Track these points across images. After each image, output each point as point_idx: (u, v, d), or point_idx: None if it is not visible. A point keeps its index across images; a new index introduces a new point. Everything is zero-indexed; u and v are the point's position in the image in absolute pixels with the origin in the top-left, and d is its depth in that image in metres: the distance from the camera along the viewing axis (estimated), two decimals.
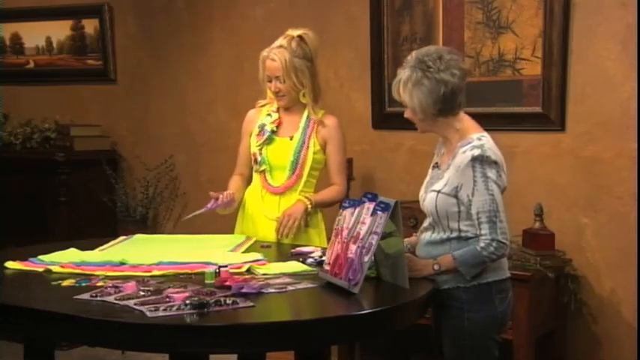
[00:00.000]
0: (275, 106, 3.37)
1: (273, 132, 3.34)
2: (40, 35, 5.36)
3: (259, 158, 3.33)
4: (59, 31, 5.29)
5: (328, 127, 3.34)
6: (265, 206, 3.33)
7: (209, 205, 3.25)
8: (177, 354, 2.37)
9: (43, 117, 5.18)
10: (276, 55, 3.24)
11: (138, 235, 3.44)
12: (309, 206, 3.25)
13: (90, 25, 5.18)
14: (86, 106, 5.30)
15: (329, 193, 3.34)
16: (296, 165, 3.30)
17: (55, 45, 5.33)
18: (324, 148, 3.34)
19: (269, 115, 3.37)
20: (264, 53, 3.28)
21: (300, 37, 3.27)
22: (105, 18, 5.11)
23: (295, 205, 3.25)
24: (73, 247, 2.99)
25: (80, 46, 5.25)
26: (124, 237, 3.31)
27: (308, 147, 3.31)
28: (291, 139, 3.33)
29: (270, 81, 3.29)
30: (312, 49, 3.29)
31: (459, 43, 3.90)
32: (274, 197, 3.33)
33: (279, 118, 3.36)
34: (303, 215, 3.23)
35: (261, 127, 3.35)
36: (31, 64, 5.45)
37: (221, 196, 3.25)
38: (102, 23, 5.12)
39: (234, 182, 3.42)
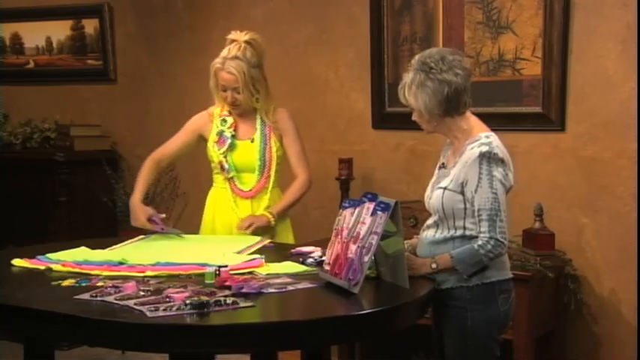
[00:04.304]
0: (226, 109, 3.40)
1: (233, 137, 3.37)
2: (40, 35, 5.37)
3: (226, 166, 3.37)
4: (59, 31, 5.29)
5: (281, 121, 3.40)
6: (240, 211, 3.37)
7: (161, 228, 3.27)
8: (177, 354, 2.37)
9: (43, 117, 5.19)
10: (234, 68, 3.25)
11: (156, 235, 3.44)
12: (272, 222, 3.30)
13: (90, 25, 5.19)
14: (86, 106, 5.30)
15: (292, 195, 3.38)
16: (264, 167, 3.37)
17: (55, 45, 5.34)
18: (282, 143, 3.40)
19: (224, 120, 3.39)
20: (218, 65, 3.29)
21: (249, 43, 3.29)
22: (105, 18, 5.11)
23: (261, 215, 3.31)
24: (83, 245, 3.00)
25: (80, 46, 5.26)
26: (142, 236, 3.30)
27: (271, 147, 3.37)
28: (252, 141, 3.37)
29: (225, 90, 3.31)
30: (260, 53, 3.33)
31: (458, 43, 3.90)
32: (246, 201, 3.38)
33: (235, 121, 3.39)
34: (263, 225, 3.27)
35: (220, 134, 3.38)
36: (31, 64, 5.45)
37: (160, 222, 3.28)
38: (102, 23, 5.12)
39: (150, 172, 3.38)
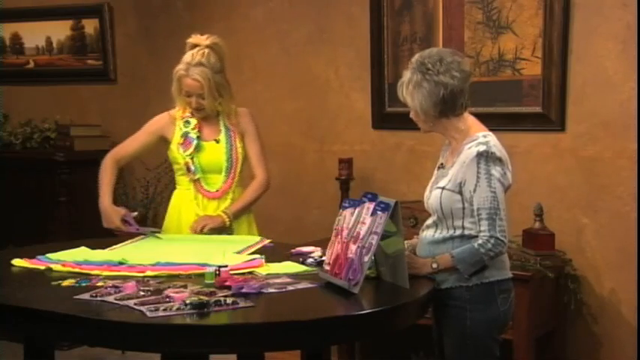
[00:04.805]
0: (188, 111, 3.38)
1: (198, 138, 3.36)
2: (40, 35, 5.36)
3: (192, 167, 3.35)
4: (59, 31, 5.29)
5: (243, 122, 3.41)
6: (206, 212, 3.35)
7: (136, 229, 3.25)
8: (177, 354, 2.37)
9: (43, 117, 5.18)
10: (198, 75, 3.24)
11: (155, 235, 3.43)
12: (227, 222, 3.29)
13: (90, 25, 5.19)
14: (86, 106, 5.30)
15: (249, 195, 3.38)
16: (231, 168, 3.37)
17: (55, 45, 5.34)
18: (244, 143, 3.41)
19: (187, 121, 3.38)
20: (182, 72, 3.27)
21: (211, 47, 3.28)
22: (105, 18, 5.11)
23: (216, 216, 3.29)
24: (83, 245, 2.99)
25: (80, 46, 5.26)
26: (142, 236, 3.28)
27: (236, 147, 3.38)
28: (217, 142, 3.37)
29: (189, 96, 3.30)
30: (222, 57, 3.32)
31: (458, 43, 3.90)
32: (212, 202, 3.37)
33: (198, 122, 3.38)
34: (218, 226, 3.26)
35: (185, 136, 3.36)
36: (31, 64, 5.45)
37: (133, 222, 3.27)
38: (102, 23, 5.12)
39: (112, 172, 3.36)
